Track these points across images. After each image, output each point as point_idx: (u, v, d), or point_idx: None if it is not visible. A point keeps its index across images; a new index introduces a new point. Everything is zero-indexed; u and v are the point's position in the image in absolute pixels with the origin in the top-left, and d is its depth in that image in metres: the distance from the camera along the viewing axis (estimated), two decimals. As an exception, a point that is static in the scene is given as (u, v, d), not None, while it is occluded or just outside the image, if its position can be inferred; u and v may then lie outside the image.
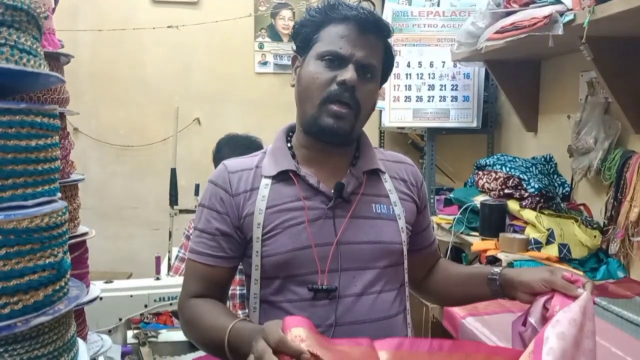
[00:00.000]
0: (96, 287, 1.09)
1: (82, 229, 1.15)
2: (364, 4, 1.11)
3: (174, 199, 2.73)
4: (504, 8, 1.95)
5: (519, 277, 1.05)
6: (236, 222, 1.10)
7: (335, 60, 1.07)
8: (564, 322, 0.88)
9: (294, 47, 1.17)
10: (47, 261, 0.77)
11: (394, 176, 1.20)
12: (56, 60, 1.11)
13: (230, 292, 2.21)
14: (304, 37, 1.12)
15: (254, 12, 3.74)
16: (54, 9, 1.14)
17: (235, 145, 2.24)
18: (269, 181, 1.10)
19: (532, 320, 0.97)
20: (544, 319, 0.94)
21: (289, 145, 1.16)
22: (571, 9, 1.63)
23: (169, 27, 3.59)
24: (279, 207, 1.08)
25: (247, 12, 3.72)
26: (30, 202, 0.76)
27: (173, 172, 2.77)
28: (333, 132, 1.07)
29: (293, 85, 1.15)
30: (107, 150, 3.73)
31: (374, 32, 1.09)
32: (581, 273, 1.86)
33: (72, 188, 1.13)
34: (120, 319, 1.86)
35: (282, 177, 1.11)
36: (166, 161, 3.54)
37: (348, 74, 1.05)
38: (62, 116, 1.15)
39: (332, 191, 1.09)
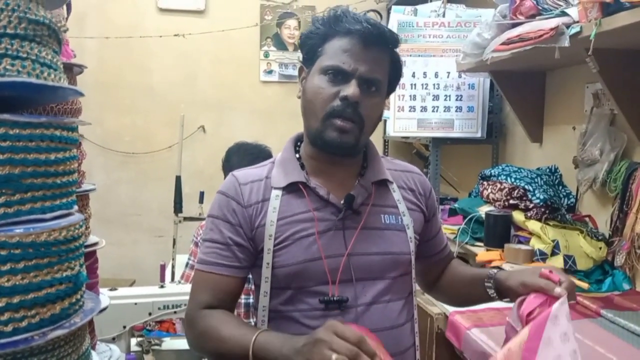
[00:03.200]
0: (105, 297, 1.09)
1: (92, 238, 1.15)
2: (370, 15, 1.11)
3: (178, 207, 2.73)
4: (510, 19, 1.96)
5: (506, 282, 1.08)
6: (249, 233, 1.10)
7: (338, 75, 1.07)
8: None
9: (301, 58, 1.17)
10: (64, 274, 0.77)
11: (402, 186, 1.20)
12: (69, 70, 1.12)
13: (235, 301, 2.22)
14: (309, 48, 1.13)
15: (260, 21, 3.77)
16: (66, 18, 1.15)
17: (245, 153, 2.24)
18: (279, 192, 1.11)
19: (510, 319, 1.03)
20: (520, 318, 0.99)
21: (297, 155, 1.17)
22: (578, 21, 1.64)
23: (175, 35, 3.62)
24: (289, 218, 1.09)
25: (253, 21, 3.75)
26: (48, 216, 0.77)
27: (178, 179, 2.78)
28: (337, 145, 1.08)
29: (299, 97, 1.15)
30: (112, 157, 3.74)
31: (379, 45, 1.08)
32: (585, 283, 1.86)
33: (83, 198, 1.13)
34: (125, 327, 1.86)
35: (291, 188, 1.11)
36: (171, 168, 3.56)
37: (350, 89, 1.05)
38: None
39: (342, 202, 1.10)
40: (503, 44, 1.96)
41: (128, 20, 3.66)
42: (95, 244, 1.11)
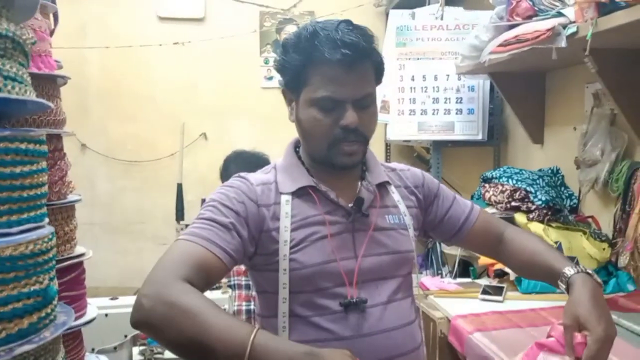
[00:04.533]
0: (93, 308, 1.08)
1: (79, 249, 1.14)
2: (343, 27, 1.04)
3: (180, 214, 2.74)
4: (507, 21, 1.95)
5: (567, 303, 0.99)
6: (255, 232, 1.06)
7: (331, 104, 1.05)
8: None
9: (282, 83, 1.13)
10: (32, 288, 0.76)
11: (397, 185, 1.22)
12: (52, 81, 1.12)
13: (236, 307, 2.22)
14: (290, 77, 1.09)
15: (259, 28, 3.77)
16: (52, 31, 1.15)
17: (243, 162, 2.24)
18: (288, 197, 1.10)
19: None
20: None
21: (301, 160, 1.16)
22: (574, 22, 1.63)
23: (175, 43, 3.63)
24: (302, 222, 1.08)
25: (253, 28, 3.75)
26: (15, 230, 0.75)
27: (179, 187, 2.79)
28: (347, 166, 1.10)
29: (292, 121, 1.13)
30: (115, 165, 3.75)
31: (361, 61, 1.05)
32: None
33: (68, 209, 1.13)
34: (126, 336, 1.86)
35: (300, 192, 1.11)
36: (173, 176, 3.57)
37: (349, 118, 1.04)
38: (58, 137, 1.16)
39: (350, 205, 1.11)
40: (500, 45, 1.95)
41: (128, 29, 3.68)
42: (82, 254, 1.09)
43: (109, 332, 1.80)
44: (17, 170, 0.77)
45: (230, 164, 2.28)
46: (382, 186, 1.19)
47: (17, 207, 0.77)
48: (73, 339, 1.11)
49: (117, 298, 1.93)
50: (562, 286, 1.05)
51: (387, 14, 3.51)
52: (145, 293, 0.89)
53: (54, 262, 0.82)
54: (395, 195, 1.19)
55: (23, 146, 0.78)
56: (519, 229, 1.31)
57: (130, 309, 1.18)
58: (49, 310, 0.80)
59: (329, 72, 1.04)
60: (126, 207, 3.77)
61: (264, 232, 1.08)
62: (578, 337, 0.92)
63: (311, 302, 1.07)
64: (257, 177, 1.14)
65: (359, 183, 1.16)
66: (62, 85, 1.16)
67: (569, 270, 1.04)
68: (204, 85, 3.78)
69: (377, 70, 1.11)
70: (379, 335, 1.07)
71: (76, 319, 1.11)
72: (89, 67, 3.65)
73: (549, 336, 0.98)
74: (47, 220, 0.84)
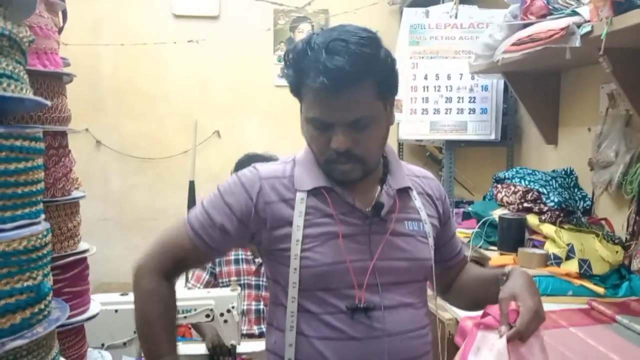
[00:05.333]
0: (96, 304, 1.10)
1: (82, 245, 1.16)
2: (333, 47, 0.99)
3: (192, 212, 2.75)
4: (521, 20, 1.92)
5: (503, 286, 1.07)
6: (257, 230, 1.11)
7: (321, 125, 1.05)
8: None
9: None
10: (25, 284, 0.77)
11: (420, 192, 1.20)
12: (58, 79, 1.13)
13: (245, 307, 2.22)
14: (291, 89, 1.10)
15: (273, 26, 3.78)
16: (61, 28, 1.16)
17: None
18: (304, 195, 1.09)
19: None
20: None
21: None
22: (589, 21, 1.60)
23: (189, 41, 3.64)
24: (316, 221, 1.08)
25: (267, 26, 3.75)
26: (9, 226, 0.76)
27: (191, 184, 2.80)
28: (346, 182, 1.10)
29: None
30: (129, 162, 3.78)
31: (350, 84, 1.00)
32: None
33: (72, 205, 1.14)
34: (135, 332, 1.87)
35: (316, 191, 1.10)
36: (186, 173, 3.59)
37: (337, 142, 1.03)
38: (63, 134, 1.17)
39: (368, 209, 1.10)
40: (514, 44, 1.93)
41: (143, 27, 3.70)
42: (86, 250, 1.11)
43: (118, 328, 1.81)
44: (12, 167, 0.78)
45: (241, 167, 2.27)
46: (404, 191, 1.16)
47: (12, 203, 0.78)
48: (75, 334, 1.13)
49: (127, 294, 1.93)
50: (503, 279, 1.09)
51: (401, 12, 3.49)
52: (139, 265, 1.15)
53: (49, 258, 0.83)
54: (417, 201, 1.17)
55: (18, 143, 0.79)
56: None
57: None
58: (42, 306, 0.81)
59: (315, 95, 1.03)
60: (139, 204, 3.80)
61: (270, 230, 1.09)
62: (512, 304, 0.99)
63: (321, 299, 1.07)
64: (270, 168, 1.14)
65: (379, 187, 1.14)
66: (68, 82, 1.17)
67: (509, 268, 1.12)
68: (217, 83, 3.79)
69: (382, 83, 1.05)
70: (390, 339, 1.07)
71: (79, 314, 1.13)
72: (104, 64, 3.68)
73: (485, 315, 1.05)
74: (43, 216, 0.85)
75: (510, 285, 1.05)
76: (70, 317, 1.14)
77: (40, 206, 0.84)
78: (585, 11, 1.63)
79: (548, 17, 1.78)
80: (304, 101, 1.07)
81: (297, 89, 1.07)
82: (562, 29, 1.65)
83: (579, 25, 1.63)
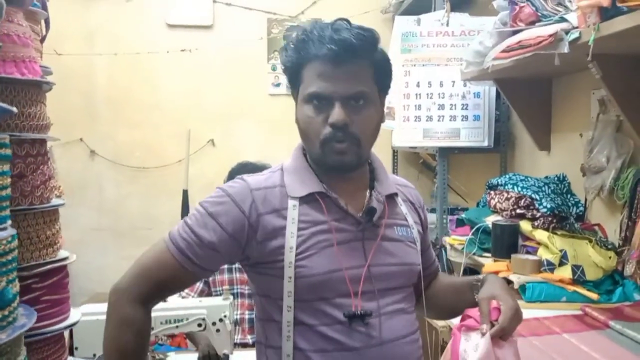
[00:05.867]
0: (77, 312, 1.08)
1: (62, 253, 1.14)
2: (338, 25, 1.06)
3: (185, 221, 2.74)
4: (510, 27, 1.93)
5: (481, 289, 1.11)
6: (246, 243, 1.07)
7: (321, 100, 1.06)
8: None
9: (287, 83, 1.16)
10: None
11: (404, 199, 1.22)
12: (37, 87, 1.12)
13: (239, 316, 2.21)
14: (289, 76, 1.12)
15: (267, 35, 3.79)
16: (43, 37, 1.16)
17: (247, 173, 2.24)
18: (295, 202, 1.08)
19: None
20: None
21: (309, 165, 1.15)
22: (577, 27, 1.61)
23: (182, 50, 3.65)
24: (310, 229, 1.07)
25: (260, 35, 3.77)
26: None
27: (185, 193, 2.80)
28: (340, 166, 1.08)
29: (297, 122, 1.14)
30: (123, 171, 3.77)
31: (352, 58, 1.04)
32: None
33: (51, 213, 1.13)
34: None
35: (308, 198, 1.10)
36: (180, 182, 3.58)
37: (335, 115, 1.04)
38: (42, 142, 1.16)
39: (360, 214, 1.11)
40: (503, 51, 1.94)
41: (136, 36, 3.70)
42: (65, 258, 1.10)
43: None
44: (-23, 173, 0.77)
45: (234, 176, 2.27)
46: (391, 198, 1.18)
47: (-25, 209, 0.77)
48: (55, 342, 1.11)
49: (118, 303, 1.93)
50: (478, 285, 1.13)
51: (393, 20, 3.51)
52: (116, 289, 1.09)
53: (14, 264, 0.81)
54: (403, 207, 1.19)
55: (-18, 150, 0.78)
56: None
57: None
58: (6, 313, 0.80)
59: (318, 68, 1.05)
60: (133, 213, 3.79)
61: (261, 242, 1.06)
62: (494, 302, 1.04)
63: (316, 310, 1.06)
64: (259, 179, 1.13)
65: (368, 192, 1.15)
66: (47, 91, 1.17)
67: (482, 275, 1.18)
68: (211, 92, 3.79)
69: (379, 71, 1.09)
70: (388, 345, 1.07)
71: (58, 323, 1.11)
72: (98, 74, 3.68)
73: (465, 318, 1.07)
74: (9, 222, 0.83)
75: (488, 288, 1.10)
76: (48, 325, 1.12)
77: (7, 212, 0.83)
78: (573, 18, 1.64)
79: (537, 24, 1.79)
80: (303, 81, 1.08)
81: (296, 71, 1.09)
82: (550, 36, 1.66)
83: (567, 32, 1.64)
